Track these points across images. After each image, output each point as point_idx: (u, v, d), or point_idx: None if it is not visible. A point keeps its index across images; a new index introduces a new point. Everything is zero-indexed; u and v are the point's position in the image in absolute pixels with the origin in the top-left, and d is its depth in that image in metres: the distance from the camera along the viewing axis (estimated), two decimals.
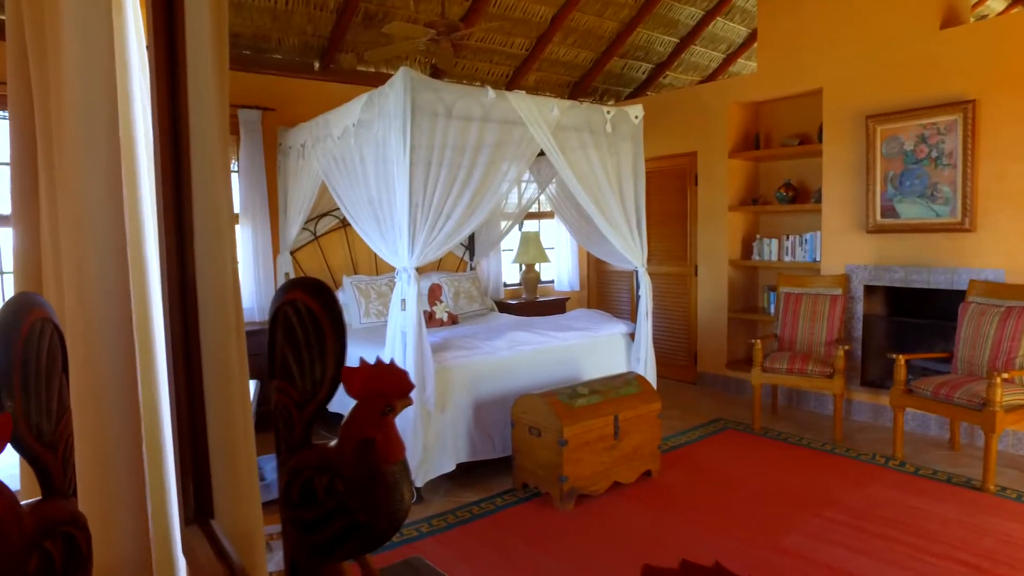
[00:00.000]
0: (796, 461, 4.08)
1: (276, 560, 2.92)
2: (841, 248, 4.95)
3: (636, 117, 4.41)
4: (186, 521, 1.07)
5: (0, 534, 0.79)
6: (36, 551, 0.85)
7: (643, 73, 7.25)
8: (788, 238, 5.46)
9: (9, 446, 0.86)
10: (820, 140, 5.09)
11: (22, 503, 0.88)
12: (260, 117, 4.98)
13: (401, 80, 3.39)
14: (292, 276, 5.16)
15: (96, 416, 1.10)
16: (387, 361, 1.07)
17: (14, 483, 0.97)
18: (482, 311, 5.66)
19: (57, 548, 0.89)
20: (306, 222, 5.02)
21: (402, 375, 1.05)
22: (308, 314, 1.00)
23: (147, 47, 1.22)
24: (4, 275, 4.46)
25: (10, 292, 4.46)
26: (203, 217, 1.03)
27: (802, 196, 5.51)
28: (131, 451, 1.13)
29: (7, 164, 4.18)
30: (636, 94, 7.36)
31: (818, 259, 5.17)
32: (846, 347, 4.46)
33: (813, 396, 5.16)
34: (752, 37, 7.06)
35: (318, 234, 5.36)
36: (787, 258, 5.47)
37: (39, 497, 0.94)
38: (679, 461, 4.10)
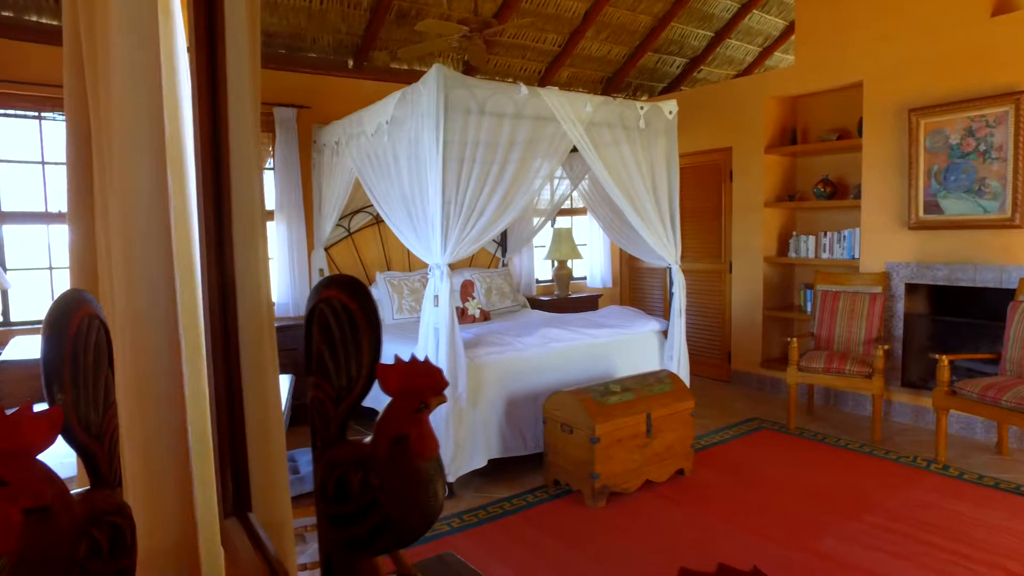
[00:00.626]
0: (833, 462, 4.00)
1: (310, 552, 2.97)
2: (881, 245, 4.83)
3: (670, 112, 4.36)
4: (225, 513, 1.10)
5: (53, 521, 0.82)
6: (85, 538, 0.88)
7: (677, 68, 7.16)
8: (826, 235, 5.35)
9: (60, 437, 0.89)
10: (860, 134, 4.97)
11: (72, 492, 0.91)
12: (295, 115, 5.05)
13: (434, 77, 3.40)
14: (326, 272, 5.25)
15: (140, 409, 1.13)
16: (421, 358, 1.08)
17: (65, 473, 1.00)
18: (514, 307, 5.66)
19: (104, 536, 0.91)
20: (340, 218, 5.09)
21: (436, 372, 1.06)
22: (344, 311, 1.01)
23: (188, 48, 1.25)
24: (54, 271, 4.61)
25: (63, 287, 4.60)
26: (239, 214, 1.05)
27: (841, 192, 5.39)
28: (173, 444, 1.16)
29: (63, 164, 4.28)
30: (670, 89, 7.28)
31: (857, 256, 5.06)
32: (886, 346, 4.36)
33: (851, 396, 5.06)
34: (789, 30, 6.93)
35: (352, 230, 5.42)
36: (824, 255, 5.36)
37: (88, 487, 0.97)
38: (712, 460, 4.05)
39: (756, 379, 5.80)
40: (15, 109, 4.41)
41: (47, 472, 0.83)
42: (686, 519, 3.28)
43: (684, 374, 4.33)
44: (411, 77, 4.63)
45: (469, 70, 5.91)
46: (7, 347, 3.80)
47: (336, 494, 1.05)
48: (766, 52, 7.33)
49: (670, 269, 4.41)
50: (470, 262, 5.89)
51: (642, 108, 4.22)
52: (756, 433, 4.58)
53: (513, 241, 6.10)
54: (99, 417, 0.96)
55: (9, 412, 0.83)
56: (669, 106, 4.38)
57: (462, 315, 4.94)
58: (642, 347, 4.46)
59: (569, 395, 3.53)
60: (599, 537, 3.10)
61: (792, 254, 5.62)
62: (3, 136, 4.39)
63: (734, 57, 7.30)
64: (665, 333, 4.52)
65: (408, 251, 4.67)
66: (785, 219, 5.84)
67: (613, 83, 6.95)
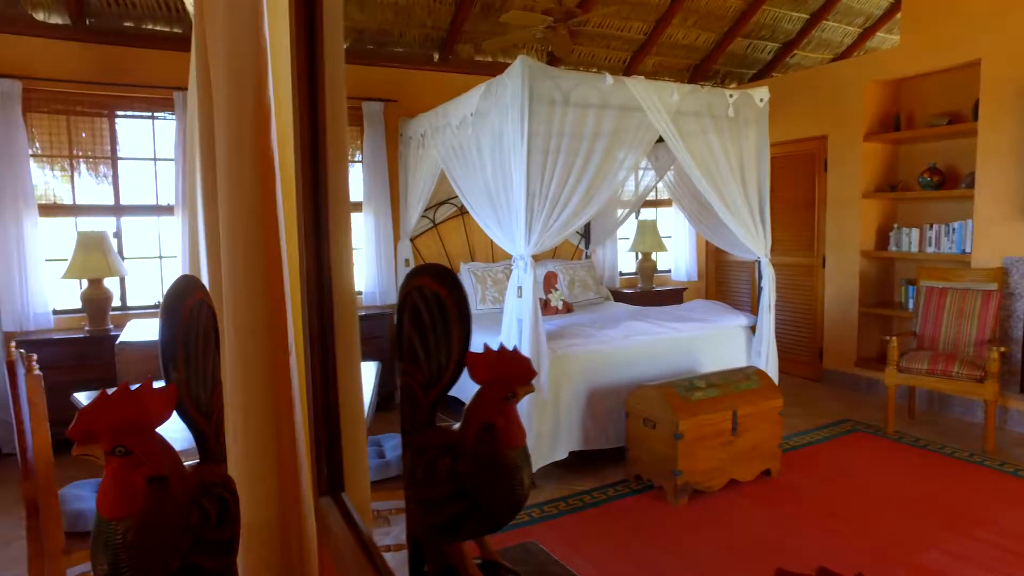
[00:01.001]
0: (937, 471, 3.75)
1: (394, 534, 3.06)
2: (998, 238, 4.48)
3: (761, 100, 4.20)
4: (319, 492, 1.15)
5: (170, 489, 0.89)
6: (196, 507, 0.95)
7: (769, 53, 6.87)
8: (932, 227, 5.01)
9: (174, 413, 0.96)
10: (975, 118, 4.62)
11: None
12: (382, 108, 5.19)
13: (519, 69, 3.41)
14: (412, 262, 5.38)
15: (243, 390, 1.20)
16: (508, 348, 1.08)
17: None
18: (597, 300, 5.62)
19: (213, 506, 0.97)
20: (425, 210, 5.19)
21: (525, 362, 1.07)
22: (434, 299, 1.04)
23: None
24: (163, 259, 4.95)
25: (171, 275, 4.93)
26: (335, 205, 1.09)
27: (950, 181, 5.02)
28: (269, 424, 1.22)
29: (171, 160, 4.56)
30: (761, 76, 6.99)
31: (968, 250, 4.71)
32: (1002, 349, 4.04)
33: (958, 401, 4.72)
34: (894, 7, 6.50)
35: (437, 222, 5.53)
36: (930, 249, 5.02)
37: (197, 461, 1.04)
38: (802, 462, 3.89)
39: (850, 379, 5.51)
40: (132, 111, 4.75)
41: (165, 444, 0.90)
42: (773, 521, 3.17)
43: (772, 371, 4.17)
44: (495, 69, 4.67)
45: (553, 61, 5.89)
46: (124, 329, 4.11)
47: (425, 478, 1.08)
48: (867, 33, 6.91)
49: (759, 262, 4.25)
50: (553, 254, 5.89)
51: (731, 96, 4.08)
52: (850, 435, 4.36)
53: (596, 233, 6.05)
54: (208, 396, 1.02)
55: (132, 388, 0.90)
56: (760, 93, 4.21)
57: (545, 307, 4.95)
58: (728, 342, 4.33)
59: (653, 389, 3.47)
60: (681, 535, 3.05)
61: (892, 248, 5.29)
62: (123, 136, 4.74)
63: (831, 40, 6.92)
64: (753, 329, 4.37)
65: (492, 242, 4.71)
66: (885, 210, 5.50)
67: (700, 71, 6.75)
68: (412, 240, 5.39)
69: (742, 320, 4.41)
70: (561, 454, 3.69)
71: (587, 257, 6.12)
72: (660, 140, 4.01)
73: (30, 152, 4.33)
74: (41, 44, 4.37)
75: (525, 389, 1.07)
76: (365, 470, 1.15)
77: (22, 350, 2.25)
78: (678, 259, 6.82)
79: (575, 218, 3.68)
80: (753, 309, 5.36)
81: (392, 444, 2.76)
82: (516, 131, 3.43)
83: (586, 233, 6.11)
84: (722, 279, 6.88)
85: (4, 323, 4.26)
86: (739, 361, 4.29)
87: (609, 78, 3.63)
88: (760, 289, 4.27)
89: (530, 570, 1.36)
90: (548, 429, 3.62)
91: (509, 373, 1.04)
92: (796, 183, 5.90)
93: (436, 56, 5.65)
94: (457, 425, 1.09)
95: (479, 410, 1.04)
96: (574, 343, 3.76)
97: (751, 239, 4.17)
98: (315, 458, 1.12)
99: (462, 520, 1.09)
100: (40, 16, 4.38)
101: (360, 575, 0.94)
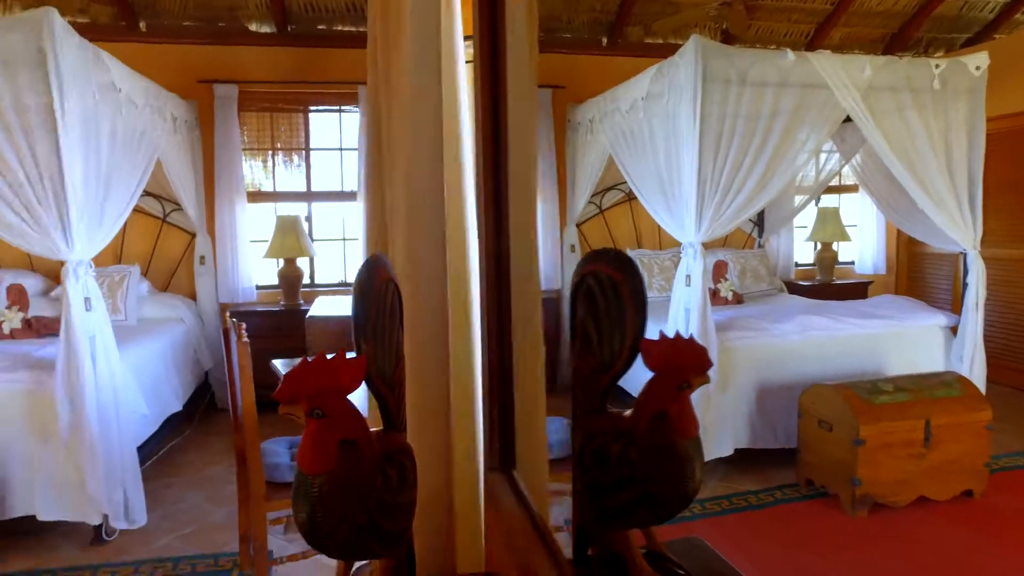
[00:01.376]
0: None
1: (552, 516, 3.12)
2: None
3: (977, 68, 3.69)
4: (490, 467, 1.19)
5: (358, 452, 0.96)
6: (380, 471, 1.02)
7: (990, 12, 5.99)
8: None
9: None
10: None
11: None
12: (551, 95, 5.24)
13: (692, 49, 3.28)
14: (577, 248, 5.40)
15: (420, 365, 1.27)
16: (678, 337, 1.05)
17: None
18: (770, 291, 5.30)
19: (394, 472, 1.04)
20: (592, 196, 5.18)
21: (701, 352, 1.03)
22: (610, 285, 1.02)
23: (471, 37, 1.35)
24: (346, 241, 5.39)
25: (353, 256, 5.37)
26: (515, 193, 1.11)
27: None
28: (441, 399, 1.28)
29: (355, 150, 4.96)
30: (976, 40, 6.13)
31: None
32: None
33: None
34: None
35: (603, 207, 5.50)
36: None
37: (380, 428, 1.11)
38: (1014, 485, 3.41)
39: None
40: (323, 105, 5.20)
41: (356, 411, 0.97)
42: (974, 546, 2.81)
43: (979, 379, 3.69)
44: (666, 51, 4.52)
45: (728, 39, 5.59)
46: (313, 304, 4.53)
47: (594, 464, 1.08)
48: None
49: (965, 255, 3.76)
50: (724, 242, 5.62)
51: (937, 66, 3.63)
52: None
53: (771, 221, 5.69)
54: (391, 368, 1.09)
55: (328, 357, 0.98)
56: (976, 60, 3.70)
57: (713, 296, 4.75)
58: (922, 344, 3.89)
59: (830, 389, 3.21)
60: (858, 550, 2.80)
61: None
62: (314, 129, 5.21)
63: None
64: (954, 330, 3.89)
65: (659, 229, 4.60)
66: None
67: (898, 40, 6.06)
68: (578, 226, 5.41)
69: (940, 319, 3.94)
70: (726, 450, 3.54)
71: (760, 246, 5.78)
72: (848, 120, 3.67)
73: (241, 146, 4.91)
74: (253, 51, 4.92)
75: (700, 379, 1.03)
76: (543, 449, 1.17)
77: (235, 319, 2.55)
78: (863, 250, 6.22)
79: (749, 205, 3.49)
80: (954, 307, 4.76)
81: (554, 427, 2.80)
82: (688, 114, 3.30)
83: (760, 221, 5.76)
84: (916, 273, 6.18)
85: (220, 295, 4.88)
86: (935, 366, 3.84)
87: (790, 54, 3.38)
88: (965, 285, 3.78)
89: (694, 565, 1.31)
90: (713, 423, 3.48)
91: (684, 362, 1.01)
92: (1018, 163, 5.13)
93: (604, 40, 5.59)
94: (628, 412, 1.07)
95: (652, 398, 1.02)
96: (744, 335, 3.58)
97: (956, 229, 3.70)
98: (489, 433, 1.16)
99: (631, 508, 1.08)
100: (253, 27, 4.93)
101: (529, 551, 0.97)
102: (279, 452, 2.62)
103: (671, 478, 1.01)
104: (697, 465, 1.04)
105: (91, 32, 3.38)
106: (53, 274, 4.35)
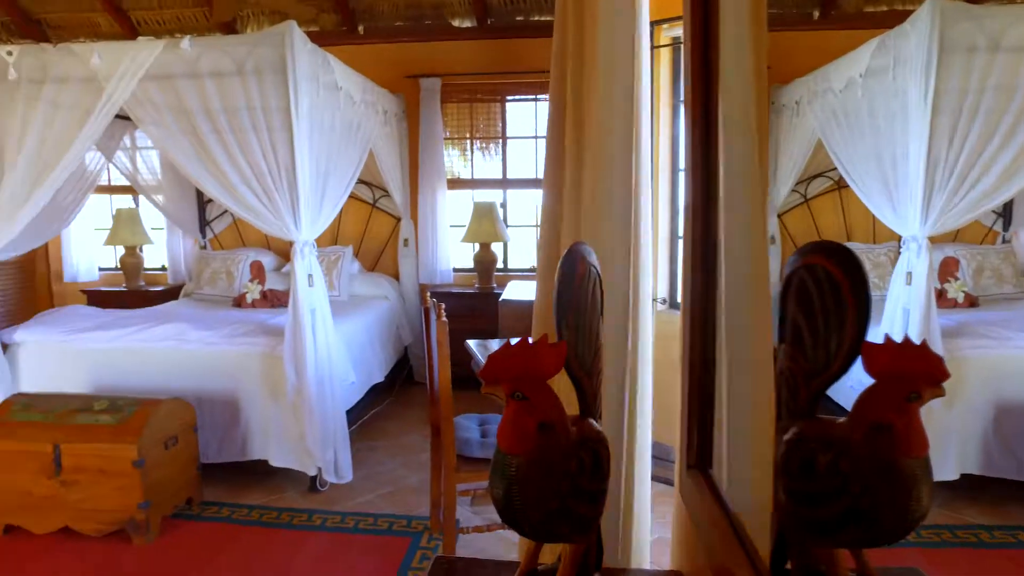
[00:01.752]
0: None
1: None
2: None
3: None
4: (687, 465, 1.15)
5: (555, 436, 0.98)
6: (575, 457, 1.03)
7: None
8: None
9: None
10: None
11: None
12: None
13: (927, 11, 2.88)
14: (777, 240, 5.05)
15: (616, 356, 1.26)
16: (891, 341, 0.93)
17: None
18: (1015, 295, 4.55)
19: (589, 458, 1.05)
20: (796, 184, 4.81)
21: (936, 360, 0.90)
22: (828, 281, 0.93)
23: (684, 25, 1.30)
24: (538, 228, 5.53)
25: (520, 243, 5.50)
26: (730, 184, 1.06)
27: None
28: (621, 389, 1.26)
29: (537, 138, 5.02)
30: None
31: None
32: None
33: None
34: None
35: (808, 196, 5.08)
36: None
37: (577, 415, 1.12)
38: None
39: None
40: (519, 95, 5.36)
41: (555, 396, 0.99)
42: None
43: None
44: (892, 20, 4.04)
45: None
46: (506, 288, 4.72)
47: (800, 471, 1.00)
48: None
49: None
50: (955, 236, 4.94)
51: None
52: None
53: (1021, 213, 4.88)
54: (591, 356, 1.09)
55: (530, 341, 1.00)
56: None
57: (940, 297, 4.20)
58: None
59: None
60: None
61: None
62: (510, 118, 5.39)
63: None
64: None
65: (873, 220, 4.14)
66: None
67: None
68: (779, 216, 5.06)
69: None
70: (950, 474, 3.10)
71: (1005, 241, 4.98)
72: None
73: (444, 136, 5.22)
74: (454, 46, 5.21)
75: (934, 391, 0.91)
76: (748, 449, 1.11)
77: (434, 299, 2.72)
78: None
79: (992, 195, 3.01)
80: None
81: None
82: (919, 89, 2.92)
83: (1006, 212, 4.97)
84: None
85: (420, 276, 5.26)
86: None
87: None
88: None
89: None
90: (933, 441, 3.07)
91: (915, 369, 0.89)
92: None
93: (816, 13, 5.12)
94: (842, 419, 0.98)
95: (873, 406, 0.92)
96: (979, 344, 3.11)
97: None
98: (687, 430, 1.12)
99: (839, 524, 0.99)
100: (456, 23, 5.21)
101: (725, 550, 0.92)
102: (470, 427, 2.76)
103: (892, 500, 0.91)
104: (924, 490, 0.93)
105: (320, 39, 3.79)
106: (283, 253, 4.98)
